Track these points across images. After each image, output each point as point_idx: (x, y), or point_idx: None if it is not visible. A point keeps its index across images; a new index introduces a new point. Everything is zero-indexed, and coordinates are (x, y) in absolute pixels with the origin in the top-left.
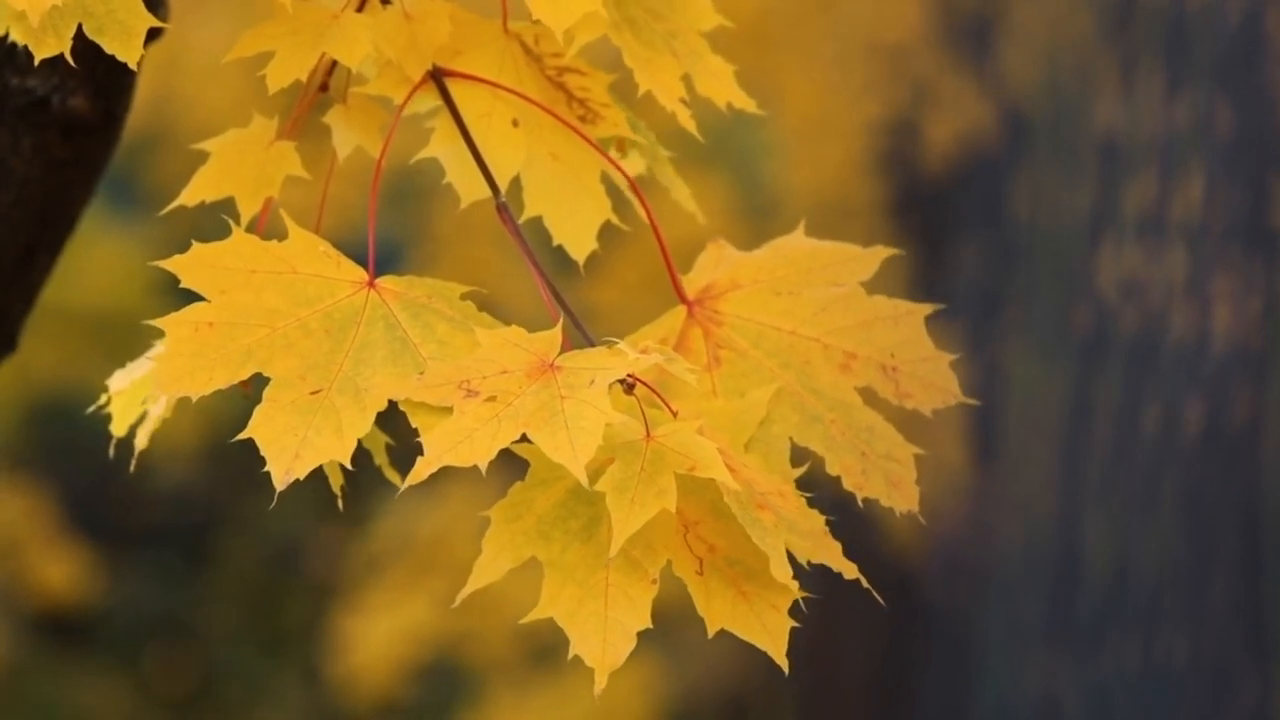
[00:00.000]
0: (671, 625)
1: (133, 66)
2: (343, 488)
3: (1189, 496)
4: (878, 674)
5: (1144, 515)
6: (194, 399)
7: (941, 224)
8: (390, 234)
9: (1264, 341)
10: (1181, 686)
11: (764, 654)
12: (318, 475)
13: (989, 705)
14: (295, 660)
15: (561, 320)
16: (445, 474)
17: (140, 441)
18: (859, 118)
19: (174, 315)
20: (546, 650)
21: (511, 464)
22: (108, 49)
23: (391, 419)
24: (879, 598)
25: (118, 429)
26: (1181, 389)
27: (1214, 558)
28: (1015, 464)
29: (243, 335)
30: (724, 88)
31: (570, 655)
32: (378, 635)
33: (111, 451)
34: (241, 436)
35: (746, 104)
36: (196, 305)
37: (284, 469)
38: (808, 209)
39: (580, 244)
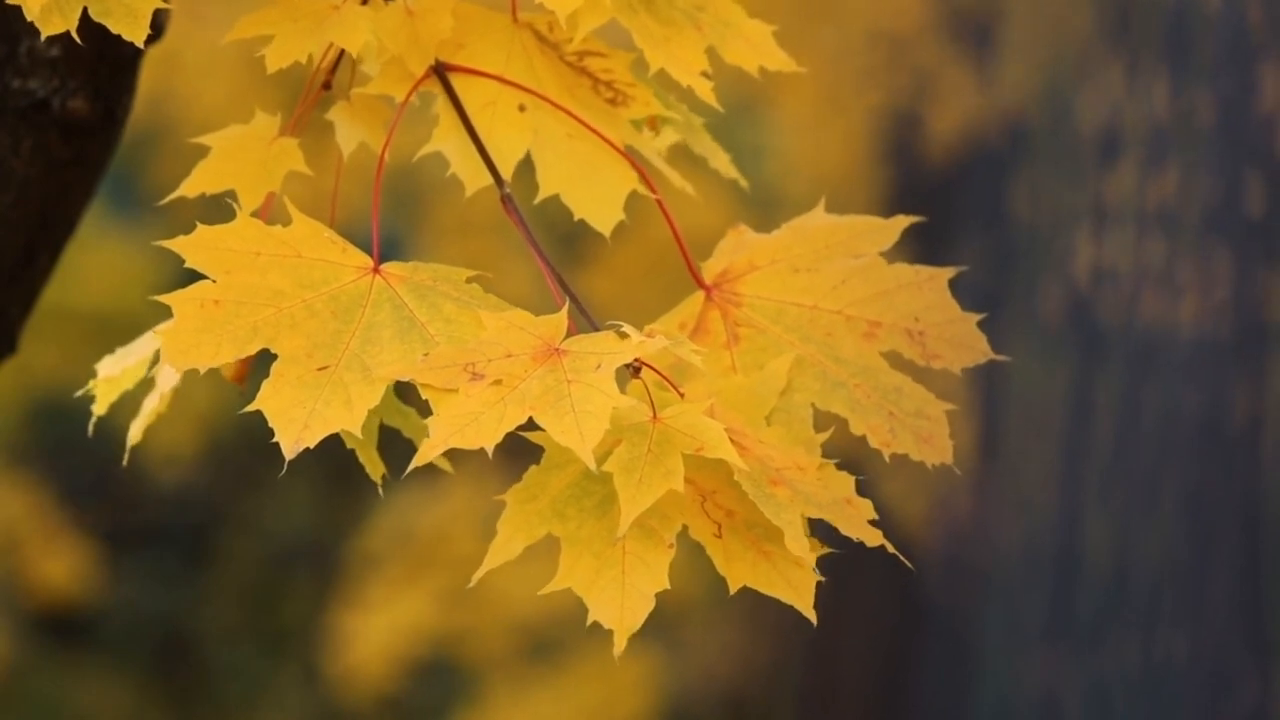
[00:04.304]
0: (672, 624)
1: (140, 46)
2: (384, 476)
3: (1189, 496)
4: (878, 673)
5: (1144, 515)
6: (201, 371)
7: (941, 222)
8: (389, 231)
9: (1264, 341)
10: (1181, 686)
11: (764, 653)
12: (318, 474)
13: (989, 705)
14: (295, 658)
15: (567, 305)
16: (447, 470)
17: (134, 436)
18: (859, 112)
19: (180, 292)
20: (545, 647)
21: (513, 462)
22: (113, 29)
23: (419, 410)
24: (906, 562)
25: (99, 408)
26: (1181, 388)
27: (1214, 558)
28: (1015, 463)
29: (249, 313)
30: (758, 52)
31: (589, 622)
32: (376, 632)
33: (90, 429)
34: (249, 409)
35: (785, 64)
36: (202, 283)
37: (293, 439)
38: (808, 207)
39: (605, 217)
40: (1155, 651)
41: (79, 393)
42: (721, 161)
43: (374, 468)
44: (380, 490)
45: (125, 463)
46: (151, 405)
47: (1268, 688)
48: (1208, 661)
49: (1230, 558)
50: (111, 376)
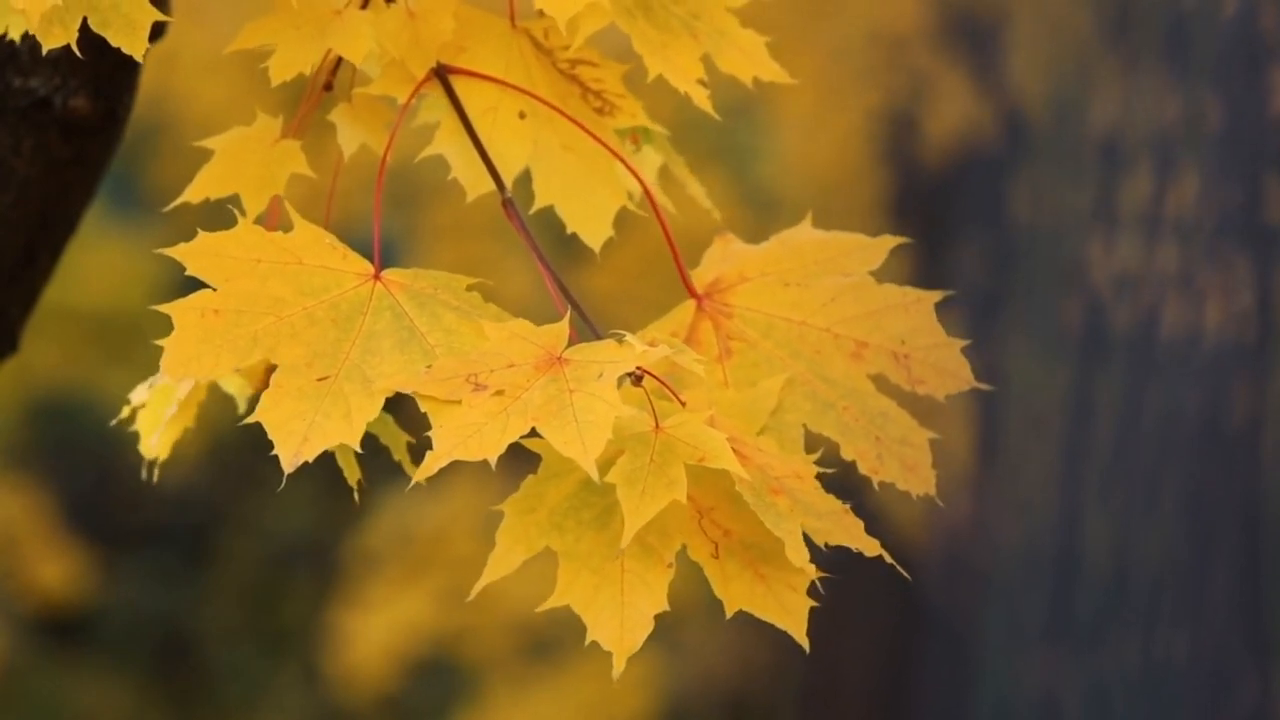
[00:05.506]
0: (672, 624)
1: (139, 59)
2: (360, 481)
3: (1189, 496)
4: (878, 673)
5: (1144, 515)
6: (208, 383)
7: (940, 222)
8: (384, 233)
9: (1264, 340)
10: (1181, 686)
11: (764, 653)
12: (318, 474)
13: (989, 705)
14: (295, 658)
15: (568, 313)
16: (446, 469)
17: (161, 451)
18: (858, 114)
19: (180, 301)
20: (545, 646)
21: (513, 462)
22: (113, 42)
23: (406, 415)
24: (903, 572)
25: (147, 450)
26: (1181, 388)
27: (1214, 557)
28: (1015, 463)
29: (249, 322)
30: (752, 62)
31: (587, 641)
32: (376, 632)
33: (144, 473)
34: (248, 421)
35: (778, 76)
36: (203, 292)
37: (292, 452)
38: (806, 207)
39: (595, 232)
40: (1155, 651)
41: (114, 421)
42: (697, 191)
43: (351, 472)
44: (356, 496)
45: (151, 477)
46: (171, 413)
47: (1268, 688)
48: (1208, 661)
49: (1230, 558)
50: (147, 404)
